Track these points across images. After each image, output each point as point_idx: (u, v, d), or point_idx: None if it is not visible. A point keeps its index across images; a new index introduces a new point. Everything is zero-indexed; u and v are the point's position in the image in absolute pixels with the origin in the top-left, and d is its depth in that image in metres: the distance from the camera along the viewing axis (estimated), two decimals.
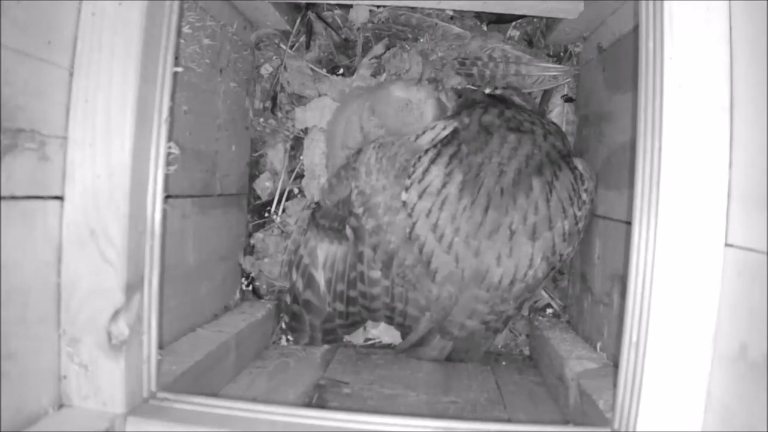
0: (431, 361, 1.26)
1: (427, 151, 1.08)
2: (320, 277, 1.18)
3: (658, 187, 0.66)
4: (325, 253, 1.18)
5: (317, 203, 1.22)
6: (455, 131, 1.10)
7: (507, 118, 1.10)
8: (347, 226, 1.14)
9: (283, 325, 1.33)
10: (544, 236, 1.06)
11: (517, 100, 1.24)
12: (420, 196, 1.06)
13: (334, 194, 1.17)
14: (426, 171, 1.06)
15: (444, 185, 1.05)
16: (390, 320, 1.21)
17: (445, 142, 1.09)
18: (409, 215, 1.07)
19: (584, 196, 1.11)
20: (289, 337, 1.34)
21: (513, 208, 1.05)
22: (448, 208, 1.05)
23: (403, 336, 1.25)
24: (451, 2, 1.30)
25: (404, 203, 1.07)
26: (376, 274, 1.13)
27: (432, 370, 1.24)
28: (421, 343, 1.22)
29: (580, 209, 1.10)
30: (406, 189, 1.07)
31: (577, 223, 1.10)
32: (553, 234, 1.07)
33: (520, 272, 1.07)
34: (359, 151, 1.15)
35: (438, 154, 1.07)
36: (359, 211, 1.11)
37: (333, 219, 1.17)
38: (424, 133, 1.13)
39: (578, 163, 1.13)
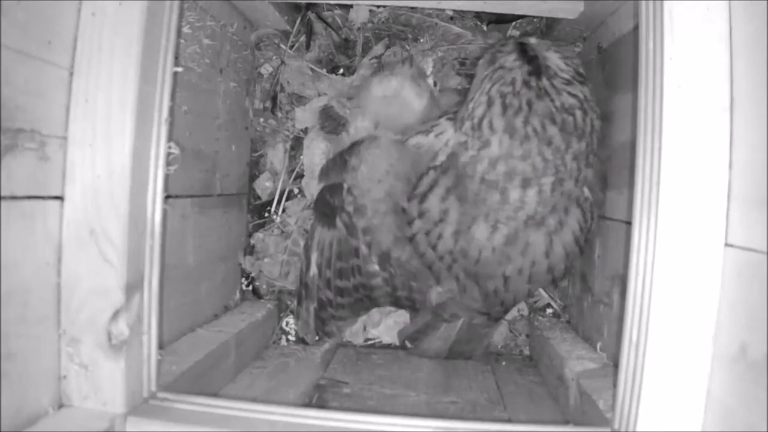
0: (432, 358, 1.26)
1: (429, 170, 1.02)
2: (313, 259, 1.18)
3: (658, 187, 0.66)
4: (319, 234, 1.17)
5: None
6: (453, 156, 0.99)
7: (514, 172, 0.93)
8: (339, 220, 1.12)
9: (284, 325, 1.34)
10: (544, 277, 1.04)
11: (554, 61, 0.95)
12: (420, 216, 1.02)
13: (326, 178, 1.16)
14: (424, 196, 1.01)
15: (441, 220, 1.01)
16: (396, 305, 1.21)
17: (444, 169, 1.00)
18: (410, 223, 1.04)
19: (590, 222, 1.05)
20: (290, 337, 1.35)
21: (507, 263, 1.00)
22: (444, 243, 1.02)
23: (411, 316, 1.25)
24: (451, 2, 1.30)
25: (403, 210, 1.04)
26: (374, 267, 1.12)
27: (432, 370, 1.24)
28: (425, 331, 1.22)
29: (586, 239, 1.05)
30: (409, 199, 1.03)
31: (581, 252, 1.06)
32: (553, 274, 1.04)
33: (515, 293, 1.07)
34: (353, 144, 1.13)
35: (436, 182, 1.01)
36: (350, 209, 1.10)
37: (324, 204, 1.16)
38: (420, 133, 1.07)
39: (587, 192, 1.04)
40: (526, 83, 0.91)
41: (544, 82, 0.91)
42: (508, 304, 1.13)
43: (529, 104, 0.91)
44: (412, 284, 1.12)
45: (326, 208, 1.15)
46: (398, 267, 1.10)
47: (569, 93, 0.92)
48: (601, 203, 1.10)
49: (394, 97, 1.16)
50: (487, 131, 0.93)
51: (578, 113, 0.92)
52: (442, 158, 1.01)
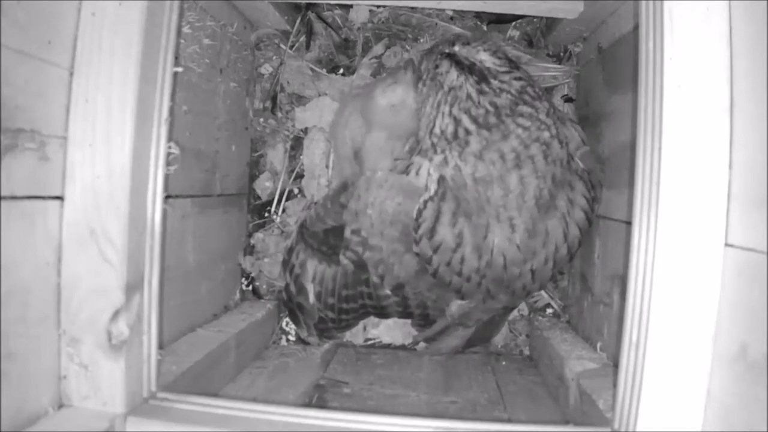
0: (448, 354, 1.27)
1: (426, 203, 1.02)
2: (310, 289, 1.16)
3: (658, 187, 0.66)
4: (314, 269, 1.15)
5: (303, 221, 1.20)
6: (443, 180, 1.00)
7: (502, 154, 0.95)
8: (343, 257, 1.11)
9: (284, 325, 1.35)
10: (566, 258, 1.06)
11: (489, 60, 0.99)
12: (435, 251, 1.02)
13: (321, 223, 1.14)
14: (433, 230, 1.01)
15: (458, 246, 1.00)
16: (406, 318, 1.21)
17: (441, 195, 1.01)
18: (428, 262, 1.03)
19: (597, 194, 1.08)
20: (290, 337, 1.35)
21: (532, 258, 1.01)
22: (468, 263, 1.01)
23: (416, 322, 1.25)
24: (451, 2, 1.30)
25: (417, 254, 1.04)
26: (386, 292, 1.11)
27: (432, 370, 1.24)
28: (443, 331, 1.22)
29: (593, 212, 1.08)
30: (416, 242, 1.03)
31: (590, 225, 1.08)
32: (571, 252, 1.06)
33: (541, 281, 1.09)
34: (345, 187, 1.11)
35: (439, 212, 1.01)
36: (358, 249, 1.08)
37: (321, 243, 1.14)
38: (408, 169, 1.07)
39: (580, 161, 1.07)
40: (480, 92, 0.96)
41: (494, 82, 0.96)
42: (533, 293, 1.15)
43: (494, 105, 0.96)
44: (428, 305, 1.13)
45: (323, 247, 1.14)
46: (414, 294, 1.10)
47: (515, 79, 0.98)
48: (601, 181, 1.12)
49: (401, 105, 1.16)
50: (464, 135, 0.97)
51: (529, 89, 0.98)
52: (433, 187, 1.02)
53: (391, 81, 1.20)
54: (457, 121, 0.97)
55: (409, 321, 1.31)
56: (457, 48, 1.01)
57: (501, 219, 0.98)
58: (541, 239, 1.01)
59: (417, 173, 1.04)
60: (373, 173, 1.10)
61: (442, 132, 0.99)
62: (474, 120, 0.96)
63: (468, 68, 0.97)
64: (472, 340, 1.25)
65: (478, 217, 0.99)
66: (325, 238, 1.13)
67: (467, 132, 0.96)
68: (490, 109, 0.95)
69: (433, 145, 1.01)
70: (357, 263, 1.10)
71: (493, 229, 0.99)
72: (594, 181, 1.08)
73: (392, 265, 1.07)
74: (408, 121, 1.16)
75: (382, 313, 1.17)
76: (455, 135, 0.97)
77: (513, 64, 1.00)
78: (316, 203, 1.21)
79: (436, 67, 1.01)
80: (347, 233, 1.09)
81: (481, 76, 0.96)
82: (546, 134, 0.96)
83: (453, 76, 0.98)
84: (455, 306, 1.12)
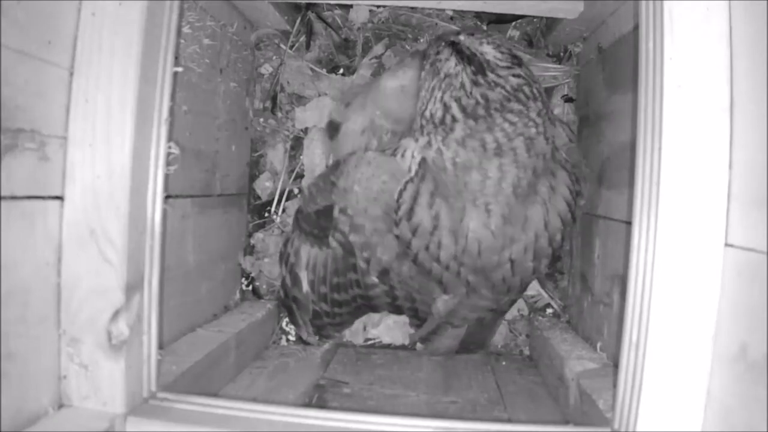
0: (444, 355, 1.27)
1: (406, 184, 1.03)
2: (304, 277, 1.17)
3: (658, 187, 0.66)
4: (307, 254, 1.16)
5: (299, 206, 1.21)
6: (424, 162, 1.02)
7: (484, 143, 0.96)
8: (332, 239, 1.12)
9: (284, 325, 1.35)
10: (546, 251, 1.06)
11: (491, 53, 0.98)
12: (413, 234, 1.03)
13: (314, 203, 1.15)
14: (411, 211, 1.02)
15: (435, 228, 1.02)
16: (397, 312, 1.22)
17: (421, 176, 1.02)
18: (408, 246, 1.04)
19: (582, 189, 1.09)
20: (290, 337, 1.35)
21: (509, 245, 1.02)
22: (445, 248, 1.02)
23: (412, 322, 1.26)
24: (451, 2, 1.30)
25: (397, 237, 1.05)
26: (373, 280, 1.12)
27: (432, 370, 1.24)
28: (436, 331, 1.23)
29: (576, 206, 1.09)
30: (396, 224, 1.04)
31: (574, 220, 1.09)
32: (552, 246, 1.06)
33: (522, 275, 1.08)
34: (337, 165, 1.13)
35: (417, 192, 1.02)
36: (345, 229, 1.09)
37: (313, 226, 1.15)
38: (395, 152, 1.09)
39: (565, 154, 1.08)
40: (474, 83, 0.97)
41: (491, 75, 0.97)
42: (514, 291, 1.14)
43: (485, 97, 0.96)
44: (415, 296, 1.13)
45: (315, 229, 1.15)
46: (399, 282, 1.11)
47: (514, 75, 0.98)
48: (587, 175, 1.14)
49: (411, 87, 1.16)
50: (450, 122, 0.98)
51: (525, 88, 0.98)
52: (414, 168, 1.03)
53: (401, 66, 1.20)
54: (446, 108, 0.98)
55: (408, 321, 1.32)
56: (462, 37, 1.01)
57: (477, 204, 0.99)
58: (519, 226, 1.01)
59: (402, 155, 1.06)
60: (363, 152, 1.11)
61: (431, 116, 1.00)
62: (462, 109, 0.96)
63: (467, 58, 0.98)
64: (465, 344, 1.26)
65: (455, 200, 1.00)
66: (317, 219, 1.14)
67: (454, 119, 0.97)
68: (481, 101, 0.96)
69: (421, 128, 1.02)
70: (345, 246, 1.11)
71: (469, 213, 1.00)
72: (579, 175, 1.09)
73: (375, 246, 1.08)
74: (413, 105, 1.16)
75: (373, 306, 1.18)
76: (442, 120, 0.98)
77: (516, 61, 1.00)
78: (309, 186, 1.22)
79: (438, 53, 1.02)
80: (336, 212, 1.10)
81: (479, 67, 0.97)
82: (533, 130, 0.98)
83: (451, 64, 0.99)
84: (441, 302, 1.12)
